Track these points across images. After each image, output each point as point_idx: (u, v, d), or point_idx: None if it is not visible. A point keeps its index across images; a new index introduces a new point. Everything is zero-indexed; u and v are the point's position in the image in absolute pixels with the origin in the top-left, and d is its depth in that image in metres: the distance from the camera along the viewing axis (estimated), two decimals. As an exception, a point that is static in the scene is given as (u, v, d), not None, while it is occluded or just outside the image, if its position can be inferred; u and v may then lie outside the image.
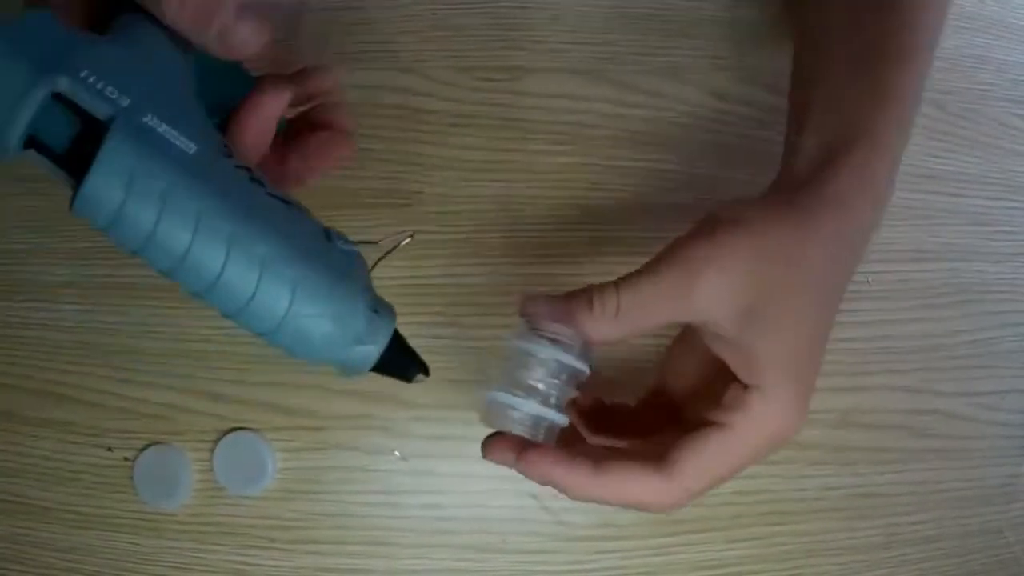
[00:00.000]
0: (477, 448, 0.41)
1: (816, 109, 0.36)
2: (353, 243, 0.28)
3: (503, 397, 0.31)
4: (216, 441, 0.41)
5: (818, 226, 0.32)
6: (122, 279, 0.43)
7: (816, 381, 0.33)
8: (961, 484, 0.44)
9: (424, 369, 0.30)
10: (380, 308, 0.28)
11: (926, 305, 0.45)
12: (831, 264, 0.33)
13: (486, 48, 0.44)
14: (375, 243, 0.31)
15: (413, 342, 0.41)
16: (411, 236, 0.32)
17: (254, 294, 0.25)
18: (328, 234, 0.28)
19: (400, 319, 0.41)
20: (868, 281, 0.44)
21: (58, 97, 0.24)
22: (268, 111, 0.31)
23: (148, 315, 0.42)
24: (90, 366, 0.42)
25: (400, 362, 0.29)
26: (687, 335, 0.38)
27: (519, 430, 0.31)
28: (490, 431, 0.32)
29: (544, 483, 0.31)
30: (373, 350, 0.28)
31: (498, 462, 0.32)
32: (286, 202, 0.27)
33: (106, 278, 0.43)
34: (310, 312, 0.26)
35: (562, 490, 0.31)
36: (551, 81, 0.44)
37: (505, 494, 0.42)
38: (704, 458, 0.31)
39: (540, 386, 0.31)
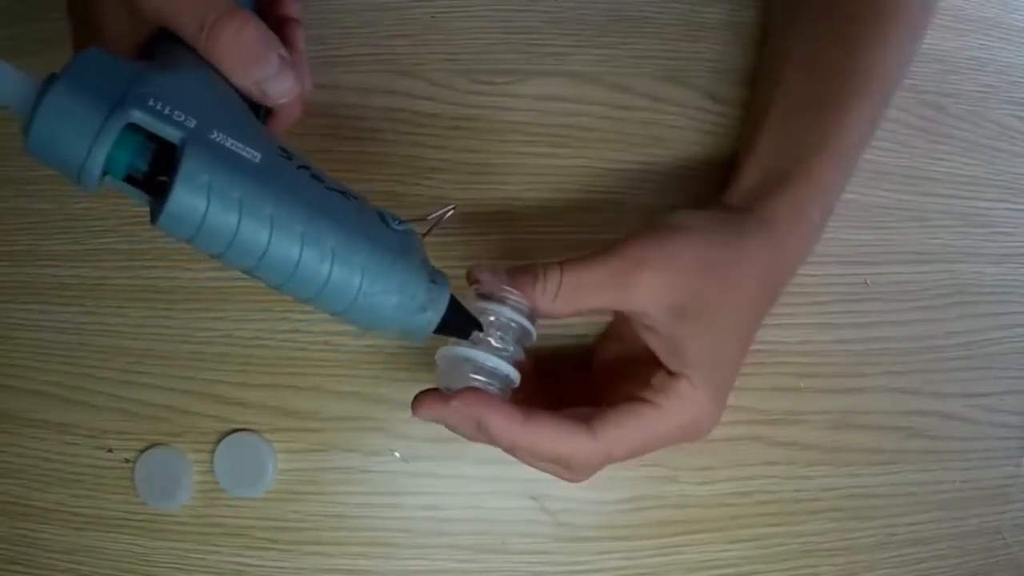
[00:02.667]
0: (477, 450, 0.41)
1: (762, 139, 0.39)
2: (404, 221, 0.31)
3: (459, 351, 0.32)
4: (216, 442, 0.42)
5: (751, 251, 0.35)
6: (122, 281, 0.43)
7: (730, 394, 0.35)
8: (959, 485, 0.45)
9: (479, 327, 0.32)
10: (436, 277, 0.31)
11: (925, 306, 0.45)
12: (759, 288, 0.36)
13: (485, 51, 0.44)
14: (423, 219, 0.33)
15: (414, 344, 0.42)
16: (454, 209, 0.34)
17: (327, 281, 0.28)
18: (383, 216, 0.30)
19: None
20: (866, 283, 0.44)
21: (130, 127, 0.26)
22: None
23: (148, 316, 0.43)
24: (90, 367, 0.42)
25: (458, 323, 0.31)
26: (616, 324, 0.40)
27: (475, 383, 0.32)
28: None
29: (476, 429, 0.32)
30: (434, 316, 0.30)
31: (430, 416, 0.33)
32: (343, 193, 0.30)
33: (106, 280, 0.43)
34: (377, 290, 0.29)
35: (492, 435, 0.32)
36: (550, 84, 0.44)
37: (504, 496, 0.42)
38: (629, 428, 0.33)
39: (495, 343, 0.33)
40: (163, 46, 0.31)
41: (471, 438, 0.34)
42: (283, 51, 0.30)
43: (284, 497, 0.42)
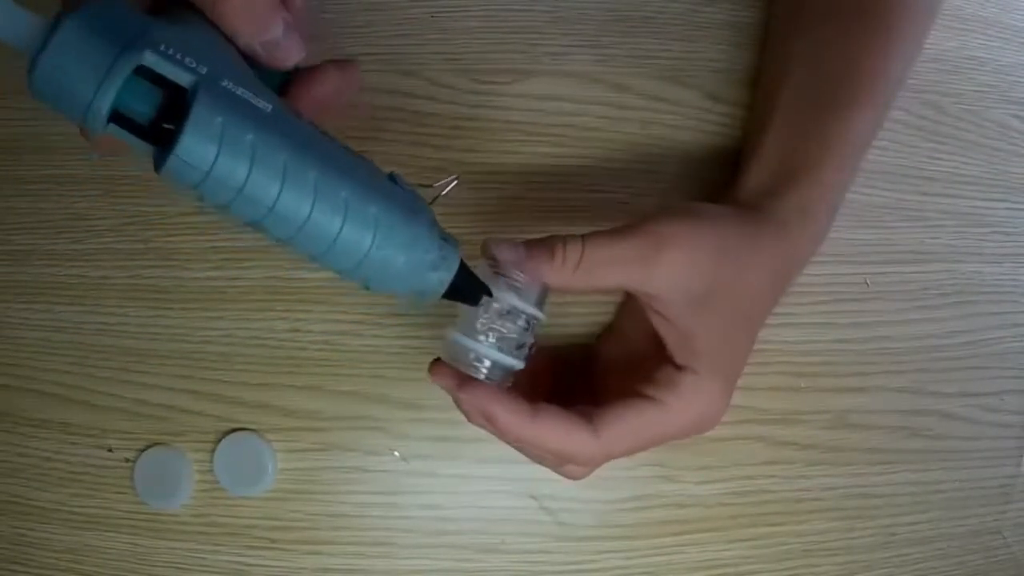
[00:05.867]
0: (477, 449, 0.41)
1: (768, 139, 0.39)
2: (412, 185, 0.30)
3: (461, 339, 0.32)
4: (216, 442, 0.42)
5: (763, 246, 0.35)
6: (122, 280, 0.43)
7: (735, 390, 0.35)
8: (959, 485, 0.45)
9: (488, 292, 0.32)
10: (447, 238, 0.30)
11: (924, 306, 0.45)
12: (768, 283, 0.36)
13: (485, 51, 0.44)
14: (429, 186, 0.33)
15: (413, 342, 0.42)
16: (457, 179, 0.35)
17: (339, 234, 0.27)
18: (393, 177, 0.30)
19: (399, 319, 0.42)
20: (866, 282, 0.44)
21: (139, 71, 0.25)
22: (325, 86, 0.33)
23: (148, 316, 0.43)
24: (90, 367, 0.43)
25: (467, 287, 0.31)
26: (619, 321, 0.41)
27: (476, 371, 0.32)
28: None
29: (481, 417, 0.32)
30: (446, 276, 0.30)
31: (442, 387, 0.33)
32: (352, 152, 0.29)
33: (106, 279, 0.43)
34: (390, 244, 0.28)
35: (496, 428, 0.32)
36: (550, 84, 0.44)
37: (504, 495, 0.42)
38: (631, 425, 0.33)
39: (498, 329, 0.32)
40: (166, 10, 0.30)
41: (475, 422, 0.34)
42: (287, 15, 0.31)
43: (284, 496, 0.42)
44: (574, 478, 0.36)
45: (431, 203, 0.32)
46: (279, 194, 0.26)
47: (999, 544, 0.45)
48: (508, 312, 0.32)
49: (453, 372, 0.33)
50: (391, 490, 0.42)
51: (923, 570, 0.44)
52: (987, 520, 0.45)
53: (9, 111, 0.45)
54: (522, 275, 0.32)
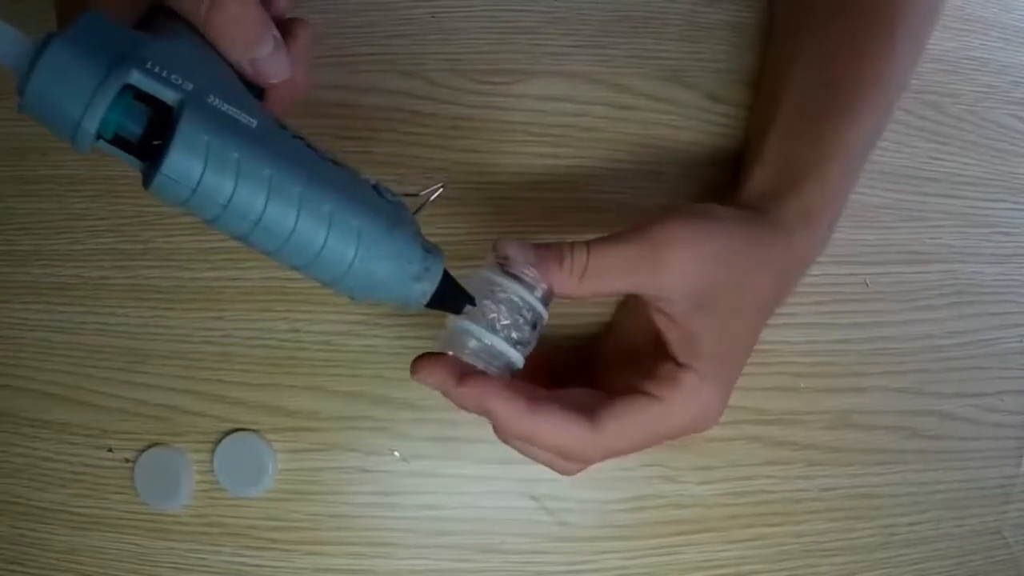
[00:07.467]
0: (477, 450, 0.41)
1: (771, 143, 0.39)
2: (397, 195, 0.31)
3: (468, 325, 0.32)
4: (217, 442, 0.42)
5: (767, 249, 0.35)
6: (122, 280, 0.43)
7: (733, 389, 0.35)
8: (959, 485, 0.45)
9: (471, 301, 0.32)
10: (431, 249, 0.31)
11: (924, 306, 0.45)
12: (771, 286, 0.36)
13: (485, 51, 0.44)
14: (415, 195, 0.33)
15: (414, 343, 0.42)
16: (443, 187, 0.35)
17: (323, 246, 0.28)
18: (377, 188, 0.30)
19: (399, 319, 0.42)
20: (866, 283, 0.44)
21: (127, 88, 0.26)
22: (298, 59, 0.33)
23: (148, 316, 0.42)
24: (90, 367, 0.42)
25: (451, 296, 0.31)
26: (619, 318, 0.40)
27: (475, 361, 0.32)
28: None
29: (477, 411, 0.32)
30: (429, 286, 0.30)
31: (431, 384, 0.33)
32: (337, 163, 0.30)
33: (106, 279, 0.43)
34: (373, 256, 0.28)
35: (494, 422, 0.32)
36: (550, 84, 0.44)
37: (504, 495, 0.42)
38: (632, 421, 0.33)
39: (503, 322, 0.32)
40: (156, 22, 0.31)
41: (467, 409, 0.34)
42: (277, 33, 0.31)
43: (284, 497, 0.42)
44: (567, 474, 0.36)
45: (417, 212, 0.32)
46: (264, 209, 0.27)
47: (999, 544, 0.45)
48: (516, 305, 0.32)
49: (449, 368, 0.32)
50: (391, 490, 0.42)
51: (922, 570, 0.44)
52: (987, 520, 0.45)
53: (9, 111, 0.45)
54: (532, 270, 0.32)
